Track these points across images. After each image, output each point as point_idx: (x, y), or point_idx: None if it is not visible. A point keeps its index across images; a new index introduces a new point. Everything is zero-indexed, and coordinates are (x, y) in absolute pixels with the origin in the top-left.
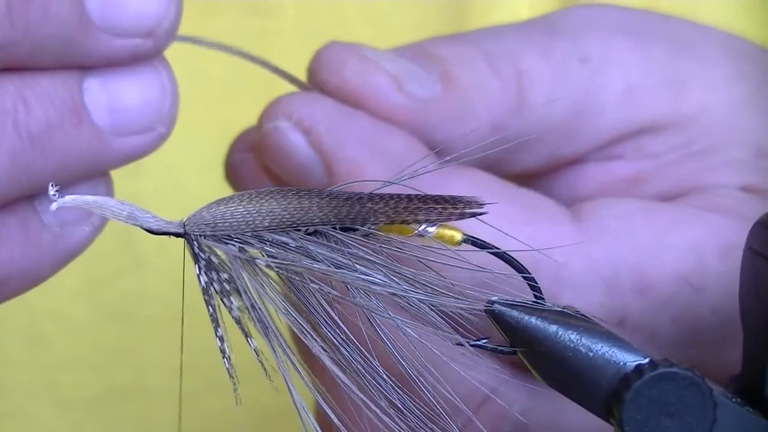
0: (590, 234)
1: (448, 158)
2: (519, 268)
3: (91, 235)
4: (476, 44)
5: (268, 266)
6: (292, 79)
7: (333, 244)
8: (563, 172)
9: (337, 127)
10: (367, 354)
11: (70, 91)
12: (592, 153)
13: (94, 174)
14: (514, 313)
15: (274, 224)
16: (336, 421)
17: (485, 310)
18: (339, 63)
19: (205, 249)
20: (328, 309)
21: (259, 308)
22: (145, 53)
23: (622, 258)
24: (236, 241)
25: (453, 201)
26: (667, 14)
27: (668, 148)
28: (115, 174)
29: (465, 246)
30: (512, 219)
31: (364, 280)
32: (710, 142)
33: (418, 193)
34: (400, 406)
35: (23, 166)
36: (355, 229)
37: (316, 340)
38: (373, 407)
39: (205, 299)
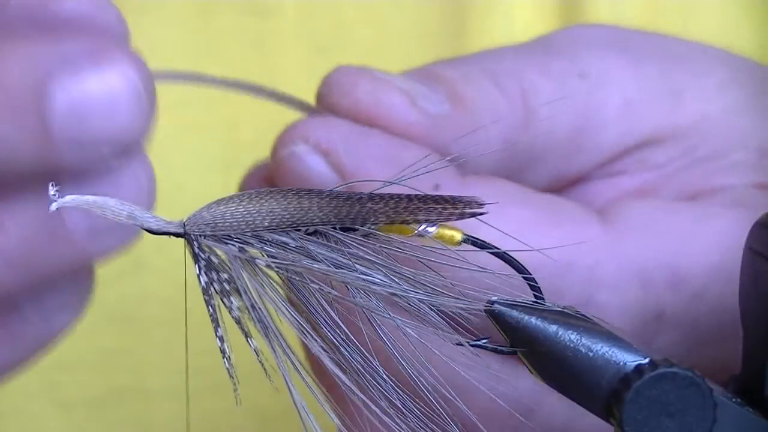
0: (618, 233)
1: (454, 160)
2: (519, 268)
3: (74, 319)
4: (478, 65)
5: (268, 266)
6: (301, 105)
7: (333, 244)
8: (568, 191)
9: (355, 147)
10: (367, 354)
11: (44, 212)
12: (595, 170)
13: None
14: (514, 313)
15: (274, 224)
16: (337, 422)
17: (485, 310)
18: (350, 84)
19: (205, 249)
20: (328, 309)
21: (259, 308)
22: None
23: (653, 254)
24: (236, 241)
25: (453, 201)
26: (657, 32)
27: (670, 158)
28: None
29: (465, 246)
30: (540, 223)
31: (364, 280)
32: (712, 148)
33: (419, 193)
34: (407, 407)
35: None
36: (355, 229)
37: (316, 340)
38: (374, 407)
39: (205, 299)
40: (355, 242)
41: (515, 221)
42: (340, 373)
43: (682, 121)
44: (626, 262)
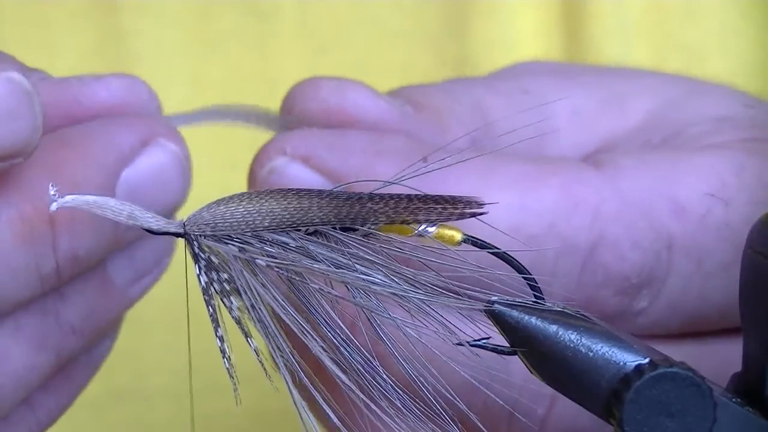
0: (614, 173)
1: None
2: (519, 268)
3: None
4: (433, 86)
5: (268, 266)
6: (267, 118)
7: (333, 244)
8: None
9: (335, 145)
10: (366, 354)
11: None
12: None
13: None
14: (514, 313)
15: (274, 224)
16: (336, 421)
17: (485, 311)
18: (313, 89)
19: (205, 249)
20: (329, 309)
21: (259, 308)
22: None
23: (651, 187)
24: (236, 241)
25: (453, 201)
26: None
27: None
28: None
29: (465, 246)
30: (537, 176)
31: (364, 280)
32: (665, 131)
33: (418, 193)
34: (407, 406)
35: (66, 353)
36: (355, 229)
37: (316, 340)
38: (374, 407)
39: (205, 299)
40: (355, 242)
41: (516, 176)
42: (340, 373)
43: (631, 123)
44: (627, 197)
